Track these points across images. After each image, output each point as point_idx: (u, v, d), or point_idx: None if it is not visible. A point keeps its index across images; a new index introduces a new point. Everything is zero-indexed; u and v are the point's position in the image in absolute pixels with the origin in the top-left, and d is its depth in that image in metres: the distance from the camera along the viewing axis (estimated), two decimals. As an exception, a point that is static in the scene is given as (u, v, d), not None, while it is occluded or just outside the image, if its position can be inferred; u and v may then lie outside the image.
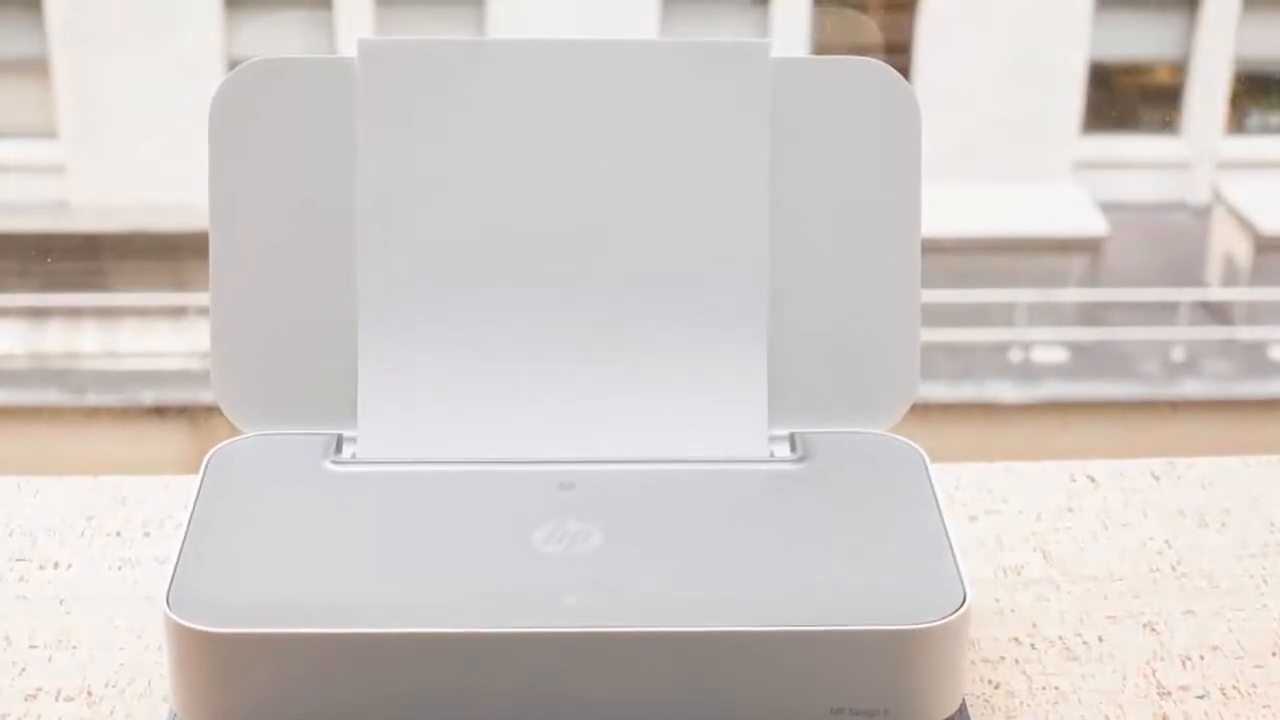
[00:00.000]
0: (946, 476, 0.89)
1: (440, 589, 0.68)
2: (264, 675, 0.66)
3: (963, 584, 0.68)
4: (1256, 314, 5.29)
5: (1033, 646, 0.77)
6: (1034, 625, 0.78)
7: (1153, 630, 0.78)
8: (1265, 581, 0.81)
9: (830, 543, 0.70)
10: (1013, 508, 0.87)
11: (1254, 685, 0.74)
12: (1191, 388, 4.89)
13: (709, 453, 0.76)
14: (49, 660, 0.75)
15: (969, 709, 0.72)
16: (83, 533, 0.85)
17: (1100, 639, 0.77)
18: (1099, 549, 0.84)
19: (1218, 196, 5.48)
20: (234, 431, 0.78)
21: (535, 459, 0.75)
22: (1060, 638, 0.77)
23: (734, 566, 0.69)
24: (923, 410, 0.79)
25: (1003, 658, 0.76)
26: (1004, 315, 5.08)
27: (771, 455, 0.76)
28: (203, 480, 0.74)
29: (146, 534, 0.85)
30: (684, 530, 0.71)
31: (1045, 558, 0.83)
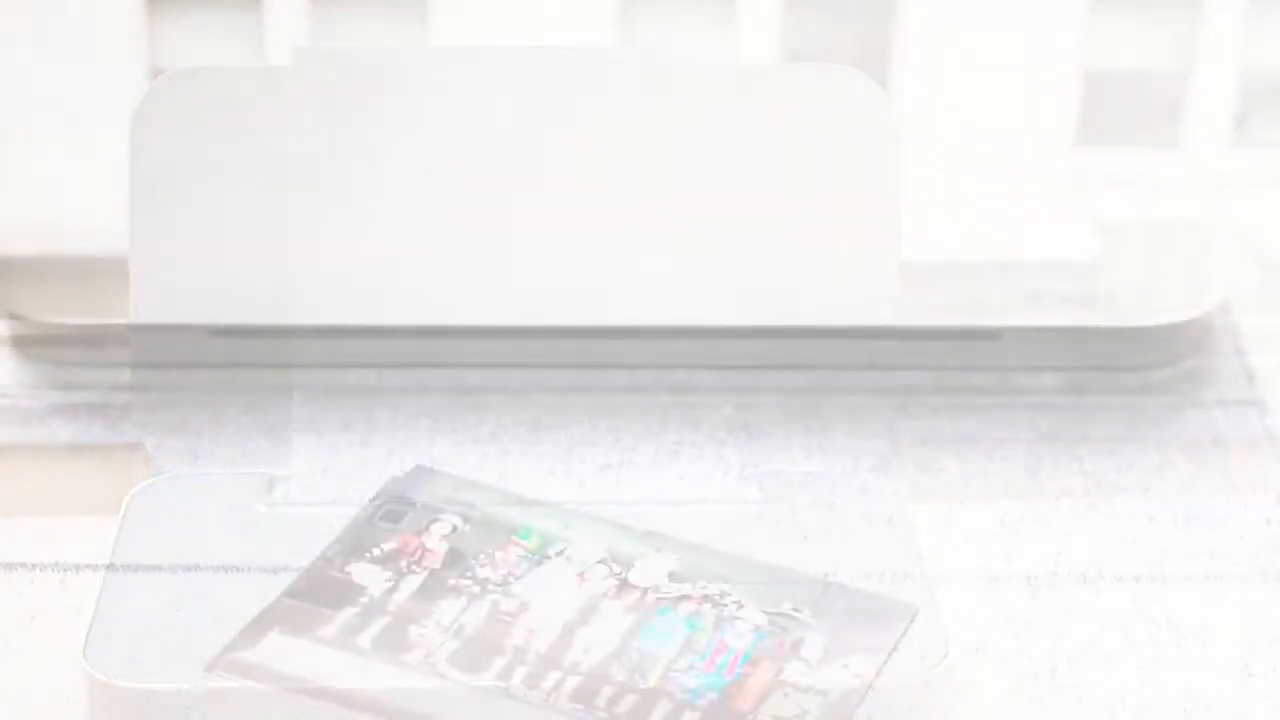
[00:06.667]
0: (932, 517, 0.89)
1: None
2: (189, 734, 0.65)
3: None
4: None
5: None
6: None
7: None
8: None
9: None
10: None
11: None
12: (1193, 421, 4.90)
13: None
14: (-46, 718, 0.75)
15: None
16: (-8, 579, 0.85)
17: None
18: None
19: (1221, 215, 5.50)
20: (156, 470, 0.77)
21: (484, 499, 0.76)
22: None
23: None
24: (905, 444, 0.80)
25: None
26: (991, 342, 5.09)
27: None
28: (122, 522, 0.74)
29: (61, 580, 0.84)
30: None
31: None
